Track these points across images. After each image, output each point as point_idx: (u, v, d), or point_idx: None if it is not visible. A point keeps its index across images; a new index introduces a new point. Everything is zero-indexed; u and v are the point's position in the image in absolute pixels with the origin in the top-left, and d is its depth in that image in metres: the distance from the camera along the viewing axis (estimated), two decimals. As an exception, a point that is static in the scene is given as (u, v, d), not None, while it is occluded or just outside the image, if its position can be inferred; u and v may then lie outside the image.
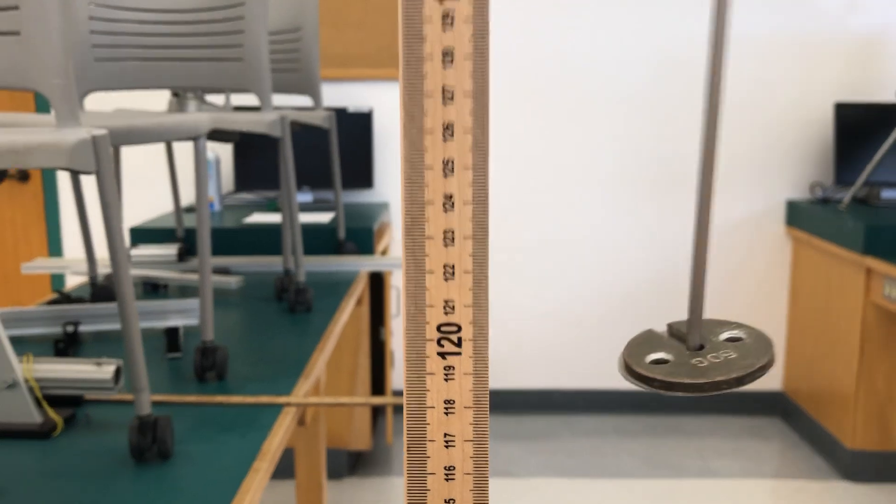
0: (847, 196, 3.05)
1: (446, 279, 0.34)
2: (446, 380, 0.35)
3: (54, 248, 3.34)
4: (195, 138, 1.39)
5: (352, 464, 2.94)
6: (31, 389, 1.24)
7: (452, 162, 0.37)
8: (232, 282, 2.11)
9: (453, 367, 0.35)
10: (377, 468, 2.98)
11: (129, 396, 1.34)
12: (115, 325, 1.70)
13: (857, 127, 3.11)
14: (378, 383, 2.98)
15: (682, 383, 0.41)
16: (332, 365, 2.66)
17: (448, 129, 0.36)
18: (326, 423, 2.63)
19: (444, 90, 0.36)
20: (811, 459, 3.05)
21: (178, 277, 2.10)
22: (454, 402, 0.35)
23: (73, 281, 3.24)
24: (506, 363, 3.41)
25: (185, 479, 1.08)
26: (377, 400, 1.44)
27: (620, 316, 3.38)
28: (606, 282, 3.35)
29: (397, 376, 3.29)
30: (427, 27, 0.36)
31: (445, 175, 0.36)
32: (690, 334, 0.45)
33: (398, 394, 3.35)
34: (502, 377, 3.42)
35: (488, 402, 0.35)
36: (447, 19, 0.35)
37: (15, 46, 0.98)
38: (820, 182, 3.24)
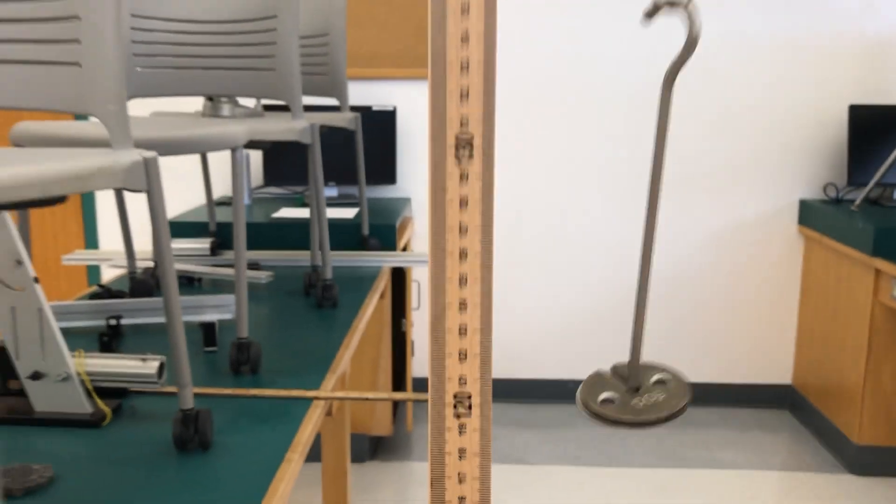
0: (859, 197, 3.11)
1: (461, 360, 0.44)
2: (460, 434, 0.44)
3: (90, 240, 3.48)
4: (233, 149, 1.49)
5: (373, 448, 3.06)
6: (82, 382, 1.35)
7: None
8: (262, 277, 2.22)
9: (465, 426, 0.44)
10: (397, 453, 3.10)
11: (170, 389, 1.45)
12: (155, 319, 1.81)
13: (871, 129, 3.16)
14: (399, 371, 3.09)
15: (626, 421, 0.52)
16: (356, 354, 2.77)
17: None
18: (350, 411, 2.75)
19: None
20: (818, 453, 3.13)
21: (212, 272, 2.22)
22: (466, 449, 0.45)
23: (109, 272, 3.37)
24: (523, 353, 3.51)
25: (223, 468, 1.19)
26: (399, 395, 1.55)
27: (631, 308, 3.46)
28: (618, 276, 3.44)
29: (417, 365, 3.41)
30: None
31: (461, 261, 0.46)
32: (630, 378, 0.55)
33: (418, 380, 3.47)
34: (519, 367, 3.52)
35: (490, 452, 0.45)
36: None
37: (76, 76, 1.09)
38: (833, 182, 3.30)
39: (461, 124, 0.44)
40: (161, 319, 1.82)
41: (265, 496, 1.11)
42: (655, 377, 0.58)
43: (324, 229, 2.08)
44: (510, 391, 3.55)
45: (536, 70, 3.31)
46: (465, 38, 0.43)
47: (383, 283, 2.41)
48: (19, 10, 1.08)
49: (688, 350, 3.49)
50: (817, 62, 3.24)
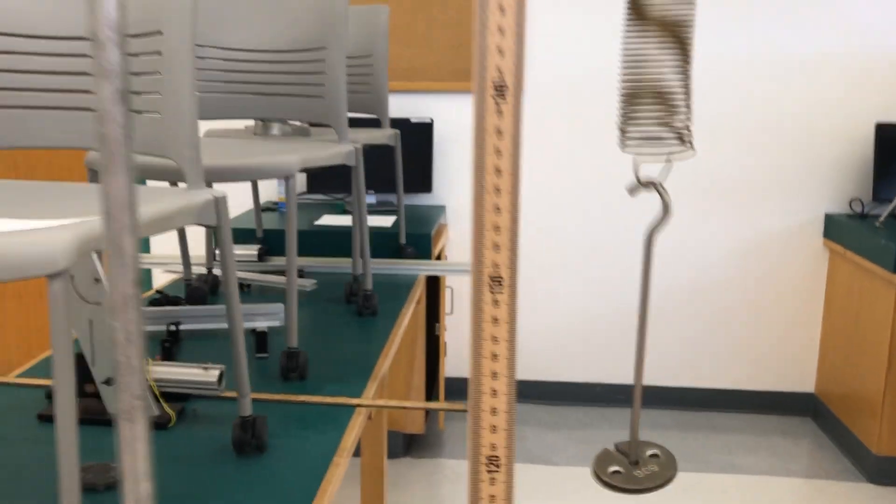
0: (884, 213, 3.18)
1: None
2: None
3: (143, 244, 3.66)
4: (287, 178, 1.63)
5: (407, 445, 3.21)
6: (150, 388, 1.50)
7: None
8: (307, 285, 2.37)
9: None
10: (429, 450, 3.24)
11: (229, 394, 1.60)
12: (211, 326, 1.97)
13: (897, 146, 3.23)
14: (432, 372, 3.23)
15: (631, 489, 0.66)
16: (393, 357, 2.92)
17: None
18: (387, 411, 2.90)
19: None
20: (839, 461, 3.22)
21: (261, 279, 2.37)
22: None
23: (161, 276, 3.55)
24: (551, 358, 3.64)
25: (277, 470, 1.34)
26: (434, 405, 1.68)
27: (657, 315, 3.57)
28: (637, 286, 3.54)
29: (449, 366, 3.55)
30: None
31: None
32: (630, 453, 0.69)
33: (450, 381, 3.61)
34: (547, 370, 3.65)
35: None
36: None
37: (156, 124, 1.24)
38: (858, 197, 3.37)
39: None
40: (216, 326, 1.97)
41: (315, 498, 1.26)
42: (650, 452, 0.72)
43: (365, 242, 2.22)
44: (538, 393, 3.67)
45: (560, 74, 3.42)
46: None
47: (419, 290, 2.54)
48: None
49: (714, 357, 3.59)
50: (845, 80, 3.31)
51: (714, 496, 2.96)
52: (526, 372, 3.67)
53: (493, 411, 0.55)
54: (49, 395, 1.56)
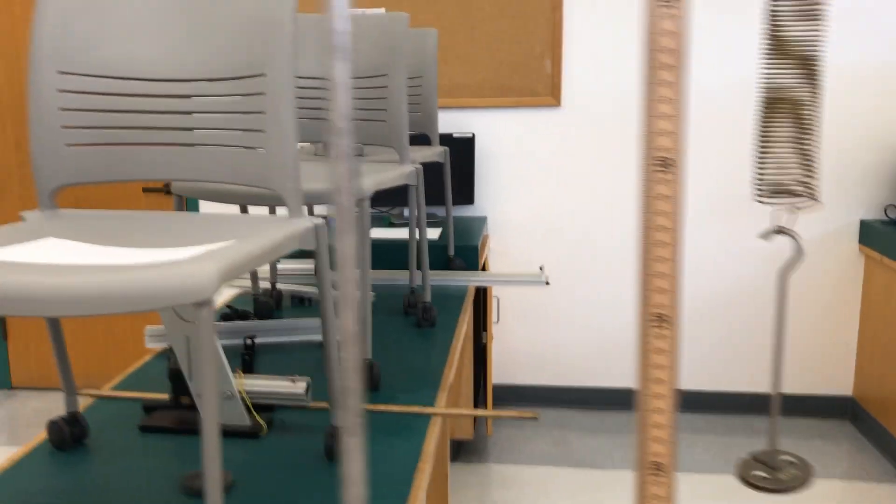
0: (920, 218, 3.25)
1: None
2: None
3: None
4: (360, 200, 1.74)
5: (455, 451, 3.31)
6: (242, 400, 1.61)
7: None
8: (369, 298, 2.47)
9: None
10: (477, 455, 3.34)
11: (316, 404, 1.71)
12: (283, 339, 2.08)
13: (931, 153, 3.30)
14: (478, 379, 3.33)
15: (779, 489, 0.76)
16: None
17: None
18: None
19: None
20: (879, 463, 3.28)
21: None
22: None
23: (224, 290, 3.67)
24: (591, 363, 3.73)
25: (368, 476, 1.44)
26: (506, 413, 1.78)
27: (701, 320, 3.65)
28: (692, 287, 3.63)
29: (496, 373, 3.64)
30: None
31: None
32: (771, 461, 0.79)
33: (497, 388, 3.71)
34: (590, 376, 3.74)
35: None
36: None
37: (260, 158, 1.34)
38: (894, 203, 3.44)
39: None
40: (288, 339, 2.08)
41: (408, 501, 1.36)
42: (787, 458, 0.82)
43: (424, 255, 2.32)
44: (580, 398, 3.76)
45: (619, 79, 3.51)
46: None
47: (470, 300, 2.65)
48: (219, 104, 1.34)
49: (751, 362, 3.66)
50: (881, 87, 3.38)
51: (756, 499, 3.03)
52: (565, 379, 3.76)
53: (658, 425, 0.65)
54: (146, 407, 1.67)
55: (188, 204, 3.83)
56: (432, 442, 1.56)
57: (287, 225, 1.30)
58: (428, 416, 1.69)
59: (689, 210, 3.56)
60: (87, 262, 1.03)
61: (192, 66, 1.36)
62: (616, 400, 3.75)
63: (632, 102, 3.51)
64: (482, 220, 3.49)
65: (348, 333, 0.68)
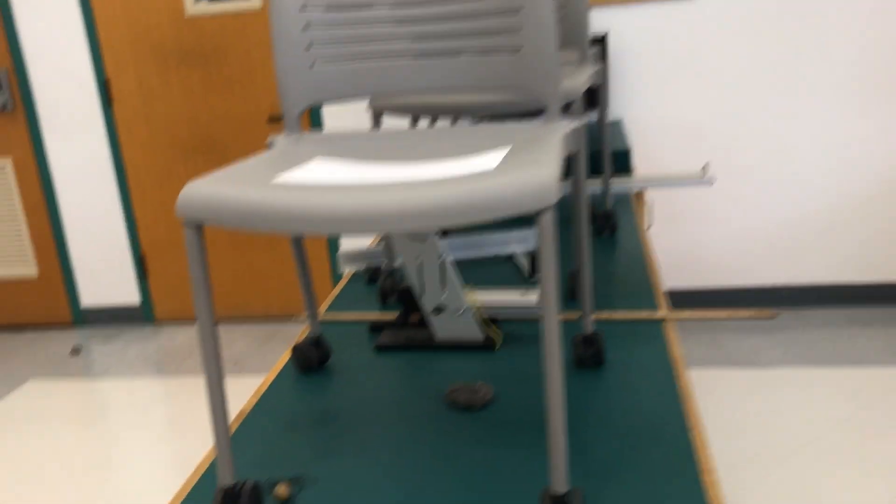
0: None
1: None
2: None
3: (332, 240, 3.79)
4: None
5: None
6: (475, 314, 1.60)
7: None
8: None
9: None
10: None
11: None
12: (471, 254, 2.06)
13: None
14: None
15: None
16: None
17: None
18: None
19: None
20: None
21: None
22: None
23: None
24: (739, 262, 3.64)
25: (627, 382, 1.41)
26: (742, 313, 1.73)
27: (849, 215, 3.52)
28: (835, 184, 3.49)
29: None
30: None
31: None
32: None
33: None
34: (736, 275, 3.66)
35: None
36: None
37: (516, 62, 1.29)
38: None
39: None
40: (474, 254, 2.06)
41: (680, 399, 1.33)
42: None
43: (605, 162, 2.26)
44: (725, 299, 3.69)
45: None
46: None
47: (639, 205, 2.58)
48: (468, 9, 1.28)
49: (902, 251, 3.53)
50: None
51: (930, 388, 2.96)
52: (714, 279, 3.69)
53: None
54: (373, 327, 1.67)
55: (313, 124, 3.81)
56: (675, 346, 1.53)
57: (555, 128, 1.25)
58: (656, 322, 1.65)
59: (847, 93, 3.40)
60: (401, 179, 1.00)
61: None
62: (764, 299, 3.67)
63: (770, -13, 3.32)
64: (618, 125, 3.39)
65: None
